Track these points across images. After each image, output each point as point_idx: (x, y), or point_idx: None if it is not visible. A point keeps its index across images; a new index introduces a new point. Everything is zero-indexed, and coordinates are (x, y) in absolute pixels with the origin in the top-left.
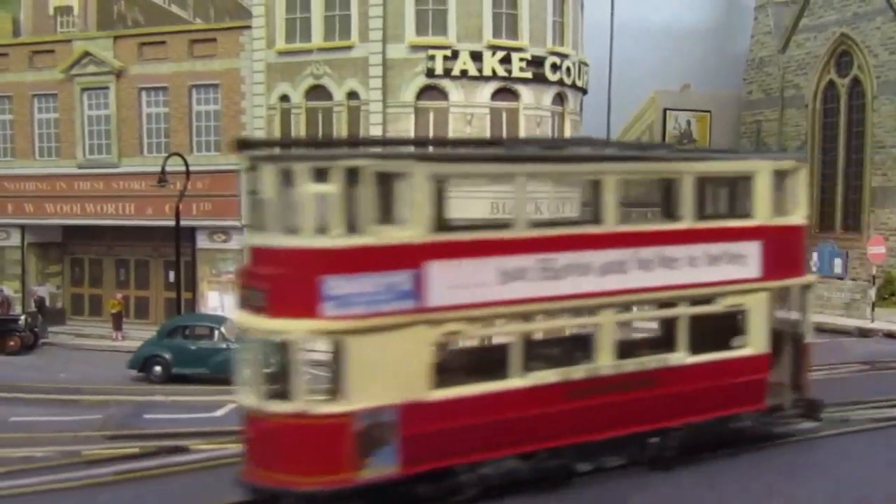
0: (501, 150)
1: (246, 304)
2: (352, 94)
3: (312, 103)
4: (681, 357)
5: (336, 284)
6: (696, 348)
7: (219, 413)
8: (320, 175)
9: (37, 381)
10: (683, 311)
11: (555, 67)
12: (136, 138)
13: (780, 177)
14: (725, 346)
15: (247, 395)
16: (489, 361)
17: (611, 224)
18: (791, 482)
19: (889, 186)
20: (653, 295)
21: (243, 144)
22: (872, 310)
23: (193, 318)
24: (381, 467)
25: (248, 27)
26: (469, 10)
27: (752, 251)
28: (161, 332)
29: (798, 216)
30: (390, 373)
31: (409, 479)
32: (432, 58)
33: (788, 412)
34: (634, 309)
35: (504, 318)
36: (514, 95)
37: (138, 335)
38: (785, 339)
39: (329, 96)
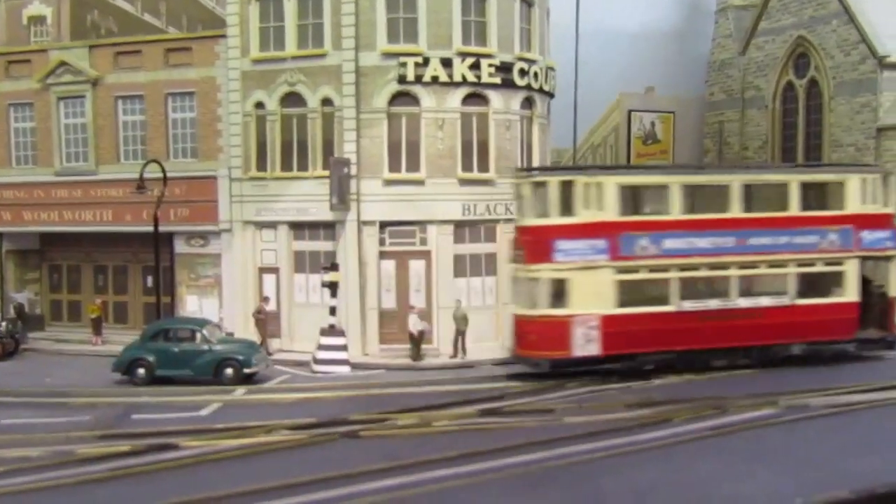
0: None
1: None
2: (326, 101)
3: (287, 110)
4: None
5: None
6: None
7: (204, 412)
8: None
9: (24, 386)
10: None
11: (523, 73)
12: (113, 146)
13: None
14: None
15: (517, 307)
16: (655, 293)
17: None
18: (755, 464)
19: None
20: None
21: (521, 169)
22: None
23: (176, 322)
24: (590, 349)
25: (223, 36)
26: (439, 19)
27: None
28: (144, 336)
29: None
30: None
31: (606, 358)
32: (404, 65)
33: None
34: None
35: (659, 268)
36: (484, 100)
37: (118, 339)
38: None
39: (304, 103)
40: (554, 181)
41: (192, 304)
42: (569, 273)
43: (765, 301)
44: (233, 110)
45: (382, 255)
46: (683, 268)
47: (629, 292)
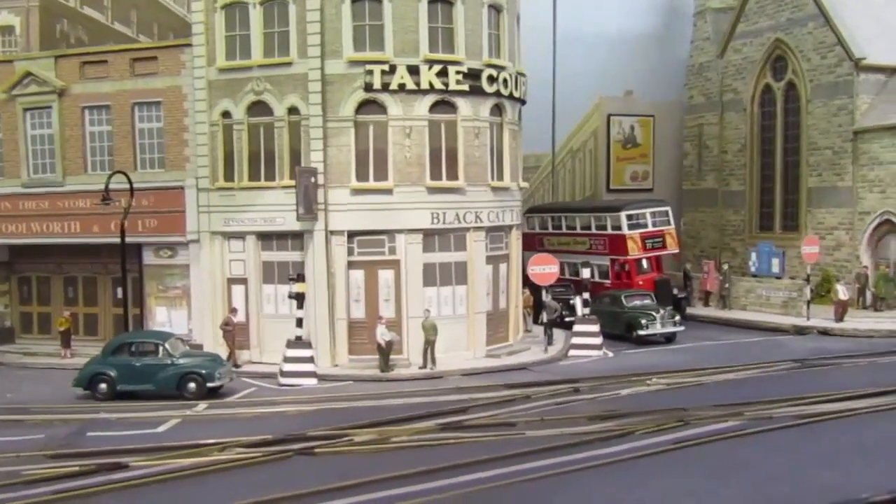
0: None
1: None
2: (292, 110)
3: (254, 119)
4: None
5: None
6: None
7: (161, 429)
8: None
9: None
10: None
11: (491, 79)
12: (80, 157)
13: None
14: None
15: None
16: None
17: None
18: (715, 481)
19: (824, 187)
20: None
21: None
22: (808, 308)
23: (138, 335)
24: None
25: (189, 45)
26: (405, 26)
27: None
28: (106, 350)
29: None
30: None
31: None
32: (370, 72)
33: None
34: None
35: None
36: (452, 108)
37: (88, 352)
38: None
39: (270, 112)
40: None
41: (161, 316)
42: None
43: None
44: (199, 120)
45: (351, 264)
46: None
47: None
